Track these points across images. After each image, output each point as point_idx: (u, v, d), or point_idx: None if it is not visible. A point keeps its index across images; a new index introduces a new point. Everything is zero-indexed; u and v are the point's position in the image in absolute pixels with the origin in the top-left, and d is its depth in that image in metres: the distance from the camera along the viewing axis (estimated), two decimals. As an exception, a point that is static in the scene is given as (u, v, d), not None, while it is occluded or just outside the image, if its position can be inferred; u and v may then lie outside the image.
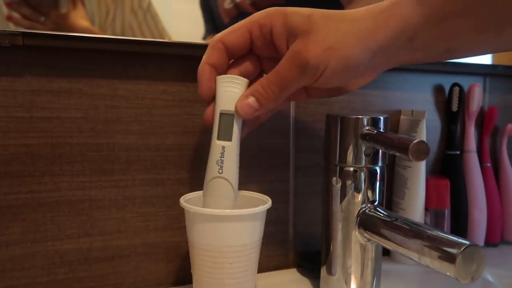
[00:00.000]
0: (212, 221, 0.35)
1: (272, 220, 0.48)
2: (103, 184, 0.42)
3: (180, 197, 0.38)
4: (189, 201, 0.38)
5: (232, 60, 0.38)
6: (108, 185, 0.42)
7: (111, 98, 0.42)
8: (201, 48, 0.45)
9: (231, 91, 0.36)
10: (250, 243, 0.36)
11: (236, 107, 0.35)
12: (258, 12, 0.35)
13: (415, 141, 0.31)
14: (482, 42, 0.33)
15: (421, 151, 0.31)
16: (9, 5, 0.44)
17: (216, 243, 0.35)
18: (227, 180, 0.36)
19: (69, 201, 0.41)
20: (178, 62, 0.44)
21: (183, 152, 0.45)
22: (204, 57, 0.36)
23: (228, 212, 0.35)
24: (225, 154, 0.36)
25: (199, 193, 0.40)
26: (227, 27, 0.36)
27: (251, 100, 0.35)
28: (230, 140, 0.36)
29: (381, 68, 0.36)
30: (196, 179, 0.45)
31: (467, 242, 0.30)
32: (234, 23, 0.36)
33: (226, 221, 0.35)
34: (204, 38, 0.62)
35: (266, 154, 0.48)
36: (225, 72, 0.37)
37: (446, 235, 0.32)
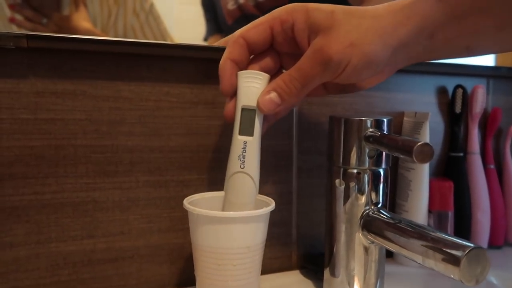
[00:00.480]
0: (215, 223, 0.35)
1: (275, 222, 0.48)
2: (106, 186, 0.42)
3: (183, 199, 0.38)
4: (193, 202, 0.38)
5: (252, 56, 0.38)
6: (112, 187, 0.42)
7: (115, 100, 0.42)
8: (205, 50, 0.46)
9: (253, 86, 0.36)
10: (254, 245, 0.36)
11: (258, 102, 0.36)
12: (279, 8, 0.36)
13: (419, 143, 0.31)
14: (500, 40, 0.34)
15: (426, 153, 0.31)
16: (12, 7, 0.44)
17: (219, 245, 0.35)
18: (248, 175, 0.36)
19: (73, 203, 0.41)
20: (182, 64, 0.44)
21: (187, 153, 0.45)
22: (225, 52, 0.36)
23: (232, 214, 0.35)
24: (247, 149, 0.36)
25: (202, 195, 0.40)
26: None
27: (273, 95, 0.35)
28: (251, 135, 0.36)
29: (400, 65, 0.36)
30: (199, 180, 0.45)
31: (472, 245, 0.30)
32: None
33: (230, 223, 0.35)
34: (206, 38, 0.62)
35: (269, 155, 0.48)
36: (245, 68, 0.37)
37: (450, 237, 0.32)
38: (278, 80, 0.35)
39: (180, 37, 0.61)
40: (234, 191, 0.36)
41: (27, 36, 0.37)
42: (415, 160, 0.31)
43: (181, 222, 0.45)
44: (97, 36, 0.51)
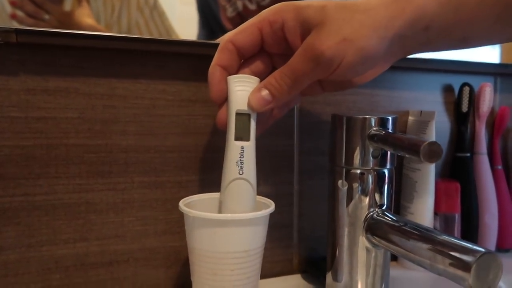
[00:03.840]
0: (212, 226, 0.33)
1: (276, 224, 0.47)
2: (100, 187, 0.40)
3: (180, 200, 0.37)
4: (189, 204, 0.37)
5: (243, 60, 0.37)
6: (106, 188, 0.41)
7: (109, 97, 0.40)
8: (202, 46, 0.44)
9: (244, 90, 0.35)
10: (253, 249, 0.34)
11: (249, 99, 0.35)
12: (267, 9, 0.34)
13: (426, 142, 0.30)
14: (497, 31, 0.32)
15: (433, 152, 0.30)
16: (13, 3, 0.44)
17: (217, 249, 0.33)
18: (248, 181, 0.35)
19: (65, 205, 0.39)
20: (178, 60, 0.42)
21: (184, 153, 0.43)
22: (214, 58, 0.35)
23: (229, 216, 0.34)
24: (245, 154, 0.35)
25: (199, 196, 0.39)
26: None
27: (264, 93, 0.34)
28: (248, 139, 0.35)
29: (396, 57, 0.35)
30: (196, 181, 0.44)
31: (483, 249, 0.29)
32: None
33: (228, 226, 0.33)
34: None
35: (270, 156, 0.47)
36: (236, 73, 0.36)
37: (459, 241, 0.31)
38: (270, 77, 0.34)
39: (181, 36, 0.60)
40: (235, 199, 0.35)
41: (16, 30, 0.36)
42: (423, 160, 0.29)
43: (178, 224, 0.43)
44: (96, 32, 0.50)
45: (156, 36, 0.53)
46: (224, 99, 0.36)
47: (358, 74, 0.34)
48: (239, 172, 0.35)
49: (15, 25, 0.45)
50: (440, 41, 0.33)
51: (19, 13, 0.44)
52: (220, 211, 0.36)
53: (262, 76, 0.36)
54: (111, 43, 0.40)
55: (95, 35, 0.39)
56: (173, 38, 0.56)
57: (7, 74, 0.37)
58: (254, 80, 0.35)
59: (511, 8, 0.31)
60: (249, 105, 0.35)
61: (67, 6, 0.46)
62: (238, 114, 0.35)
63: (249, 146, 0.35)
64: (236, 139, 0.35)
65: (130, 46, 0.40)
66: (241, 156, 0.35)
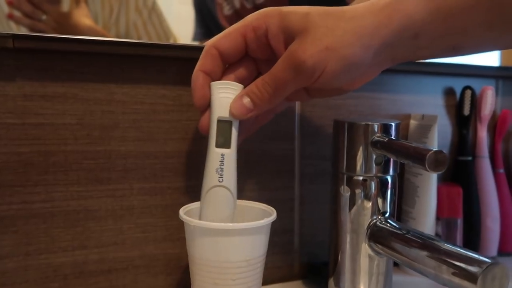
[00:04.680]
0: (214, 235, 0.33)
1: (277, 230, 0.46)
2: (99, 194, 0.40)
3: (180, 207, 0.36)
4: (190, 212, 0.36)
5: (228, 65, 0.36)
6: (105, 195, 0.40)
7: (107, 103, 0.40)
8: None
9: (226, 97, 0.34)
10: (254, 258, 0.34)
11: (230, 107, 0.34)
12: (252, 14, 0.34)
13: (432, 151, 0.29)
14: (489, 39, 0.32)
15: (439, 162, 0.29)
16: (10, 3, 0.43)
17: (218, 258, 0.33)
18: (227, 188, 0.35)
19: (64, 212, 0.39)
20: (178, 65, 0.42)
21: (184, 159, 0.42)
22: (197, 64, 0.35)
23: (231, 225, 0.33)
24: (225, 161, 0.34)
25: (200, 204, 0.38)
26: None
27: (246, 100, 0.34)
28: (229, 147, 0.34)
29: (385, 65, 0.34)
30: (197, 187, 0.42)
31: (489, 260, 0.28)
32: None
33: (229, 235, 0.33)
34: (193, 40, 0.60)
35: (270, 161, 0.46)
36: (219, 78, 0.36)
37: (464, 251, 0.30)
38: (252, 85, 0.34)
39: (179, 37, 0.59)
40: (213, 206, 0.35)
41: (13, 36, 0.35)
42: (428, 169, 0.29)
43: (178, 231, 0.43)
44: (94, 33, 0.49)
45: (154, 37, 0.53)
46: (207, 105, 0.35)
47: (343, 82, 0.33)
48: (218, 180, 0.34)
49: (12, 25, 0.45)
50: (430, 49, 0.32)
51: (16, 13, 0.43)
52: (199, 219, 0.35)
53: (247, 81, 0.36)
54: (111, 48, 0.39)
55: (94, 40, 0.39)
56: (174, 41, 0.56)
57: (3, 79, 0.36)
58: (237, 87, 0.35)
59: (504, 16, 0.30)
60: (230, 112, 0.34)
61: (65, 6, 0.46)
62: (219, 121, 0.34)
63: (230, 153, 0.34)
64: (217, 146, 0.34)
65: (131, 51, 0.40)
66: (221, 164, 0.34)
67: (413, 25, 0.30)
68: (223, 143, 0.34)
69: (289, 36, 0.32)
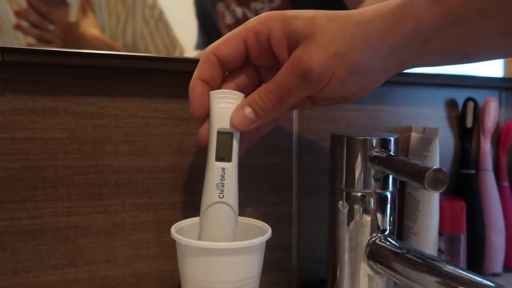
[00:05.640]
0: (205, 255, 0.32)
1: (274, 246, 0.45)
2: (90, 210, 0.39)
3: (174, 223, 0.35)
4: (182, 230, 0.35)
5: (228, 72, 0.34)
6: (96, 211, 0.39)
7: (99, 116, 0.39)
8: (197, 63, 0.42)
9: (227, 107, 0.33)
10: (248, 279, 0.33)
11: (231, 118, 0.32)
12: (254, 18, 0.32)
13: (431, 169, 0.28)
14: (502, 46, 0.30)
15: (439, 180, 0.28)
16: (17, 14, 0.43)
17: (210, 279, 0.32)
18: (228, 205, 0.33)
19: (53, 229, 0.38)
20: (172, 77, 0.41)
21: (177, 174, 0.41)
22: (195, 71, 0.33)
23: (223, 245, 0.32)
24: (226, 176, 0.33)
25: (193, 220, 0.37)
26: None
27: (248, 111, 0.32)
28: (230, 161, 0.33)
29: (393, 71, 0.33)
30: (191, 203, 0.42)
31: (492, 284, 0.27)
32: None
33: (221, 254, 0.32)
34: (196, 49, 0.60)
35: (267, 175, 0.45)
36: (219, 87, 0.34)
37: (467, 274, 0.29)
38: (254, 94, 0.32)
39: (185, 47, 0.59)
40: (214, 223, 0.33)
41: (2, 49, 0.34)
42: (427, 188, 0.28)
43: (171, 248, 0.41)
44: (102, 46, 0.49)
45: (161, 47, 0.52)
46: (206, 115, 0.33)
47: (350, 90, 0.32)
48: (219, 196, 0.33)
49: (19, 36, 0.45)
50: (440, 55, 0.31)
51: (24, 24, 0.43)
52: (199, 237, 0.34)
53: (247, 90, 0.34)
54: (104, 61, 0.38)
55: (86, 53, 0.38)
56: (180, 51, 0.55)
57: (-8, 93, 0.36)
58: (238, 96, 0.33)
59: None
60: (231, 124, 0.32)
61: (72, 16, 0.46)
62: (219, 133, 0.33)
63: (231, 167, 0.33)
64: (217, 159, 0.33)
65: (122, 64, 0.39)
66: (222, 179, 0.33)
67: (423, 30, 0.29)
68: (224, 156, 0.33)
69: (293, 41, 0.30)
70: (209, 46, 0.33)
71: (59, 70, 0.37)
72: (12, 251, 0.37)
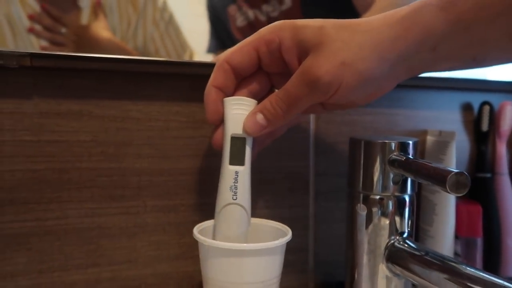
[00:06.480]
0: (228, 256, 0.32)
1: (291, 248, 0.45)
2: (113, 211, 0.40)
3: (193, 224, 0.36)
4: (204, 231, 0.36)
5: (241, 79, 0.35)
6: (118, 212, 0.40)
7: (122, 120, 0.40)
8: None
9: (240, 113, 0.34)
10: (269, 279, 0.33)
11: (244, 124, 0.34)
12: (265, 27, 0.33)
13: (453, 173, 0.28)
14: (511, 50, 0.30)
15: (461, 184, 0.28)
16: (31, 17, 0.44)
17: (232, 279, 0.32)
18: (242, 206, 0.34)
19: (77, 229, 0.39)
20: (191, 81, 0.42)
21: (197, 176, 0.42)
22: (210, 79, 0.34)
23: (246, 246, 0.33)
24: (239, 179, 0.34)
25: (213, 222, 0.38)
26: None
27: (259, 117, 0.33)
28: (243, 164, 0.34)
29: (401, 79, 0.33)
30: (211, 205, 0.42)
31: (514, 286, 0.27)
32: None
33: (244, 256, 0.32)
34: (208, 52, 0.61)
35: (284, 178, 0.45)
36: (232, 93, 0.35)
37: (488, 276, 0.29)
38: (265, 102, 0.33)
39: (195, 50, 0.60)
40: (227, 224, 0.34)
41: (31, 54, 0.35)
42: (449, 191, 0.28)
43: (191, 249, 0.42)
44: (114, 49, 0.50)
45: (171, 50, 0.53)
46: (220, 120, 0.35)
47: (359, 96, 0.33)
48: (232, 197, 0.34)
49: (32, 39, 0.46)
50: (449, 61, 0.31)
51: (37, 27, 0.44)
52: (213, 237, 0.35)
53: (260, 96, 0.35)
54: (126, 65, 0.39)
55: (109, 58, 0.39)
56: (190, 54, 0.56)
57: (20, 97, 0.37)
58: (251, 103, 0.34)
59: None
60: (244, 129, 0.34)
61: (84, 19, 0.47)
62: (233, 138, 0.34)
63: (244, 170, 0.34)
64: (231, 163, 0.34)
65: (144, 68, 0.40)
66: (235, 181, 0.34)
67: (432, 37, 0.29)
68: (237, 160, 0.34)
69: (303, 50, 0.31)
70: (222, 53, 0.34)
71: (83, 75, 0.38)
72: (38, 251, 0.38)
